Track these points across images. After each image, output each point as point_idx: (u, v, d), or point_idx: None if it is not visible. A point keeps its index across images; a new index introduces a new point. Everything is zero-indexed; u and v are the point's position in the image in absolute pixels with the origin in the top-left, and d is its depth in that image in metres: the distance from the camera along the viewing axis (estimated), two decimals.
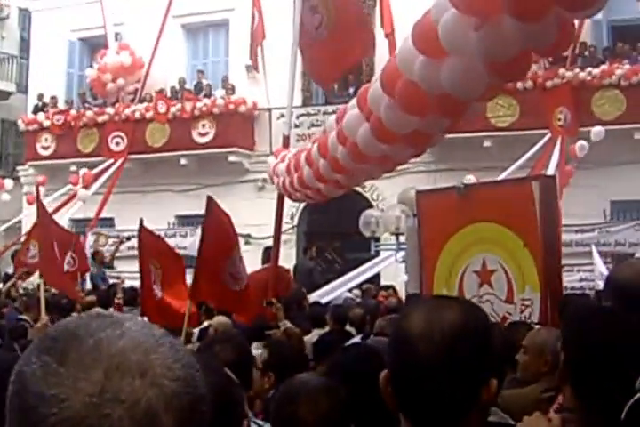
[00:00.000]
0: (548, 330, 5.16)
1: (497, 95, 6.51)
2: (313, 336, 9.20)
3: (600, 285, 15.41)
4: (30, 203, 20.82)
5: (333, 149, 8.65)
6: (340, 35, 13.38)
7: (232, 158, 23.24)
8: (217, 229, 8.72)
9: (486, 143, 20.29)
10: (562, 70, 19.59)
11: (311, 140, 10.87)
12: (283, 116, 19.12)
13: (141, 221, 9.24)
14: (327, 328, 9.88)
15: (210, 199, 8.81)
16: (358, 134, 7.64)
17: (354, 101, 8.17)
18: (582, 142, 17.00)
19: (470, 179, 16.11)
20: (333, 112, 21.55)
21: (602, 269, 16.43)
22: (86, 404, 1.08)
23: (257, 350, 7.30)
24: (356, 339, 8.69)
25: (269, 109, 22.53)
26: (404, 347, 1.99)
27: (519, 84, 19.72)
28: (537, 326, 6.93)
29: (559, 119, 18.36)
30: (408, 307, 2.20)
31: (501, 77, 5.54)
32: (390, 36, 19.81)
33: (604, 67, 19.78)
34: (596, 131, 17.13)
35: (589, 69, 19.73)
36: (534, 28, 4.70)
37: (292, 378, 3.54)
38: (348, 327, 10.06)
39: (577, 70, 19.76)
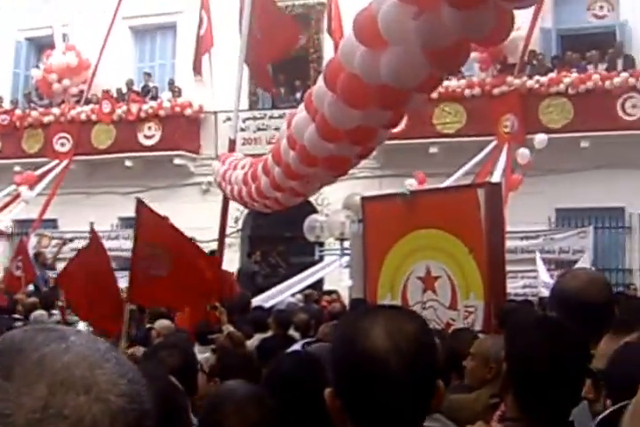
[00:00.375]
0: (494, 338, 5.13)
1: (437, 87, 6.46)
2: (255, 341, 9.16)
3: (543, 292, 15.53)
4: None
5: (285, 154, 8.62)
6: (265, 36, 13.51)
7: (177, 161, 23.13)
8: (150, 230, 8.65)
9: (432, 149, 20.33)
10: (510, 78, 19.69)
11: (269, 151, 10.85)
12: (229, 119, 19.05)
13: (91, 224, 9.23)
14: (270, 333, 9.84)
15: (139, 202, 8.74)
16: (305, 136, 7.60)
17: (302, 105, 8.12)
18: (524, 150, 17.05)
19: (412, 183, 16.10)
20: (280, 116, 21.81)
21: (545, 276, 16.52)
22: (29, 420, 1.05)
23: (201, 354, 7.22)
24: (298, 345, 8.63)
25: (215, 113, 22.45)
26: (371, 363, 1.95)
27: (467, 91, 19.84)
28: (482, 334, 6.90)
29: (506, 126, 18.45)
30: (358, 321, 2.04)
31: (440, 66, 5.56)
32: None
33: (552, 75, 19.93)
34: (540, 139, 17.20)
35: (537, 77, 19.85)
36: (472, 16, 4.70)
37: (220, 386, 3.47)
38: (291, 332, 10.04)
39: (525, 78, 19.86)
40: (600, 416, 2.71)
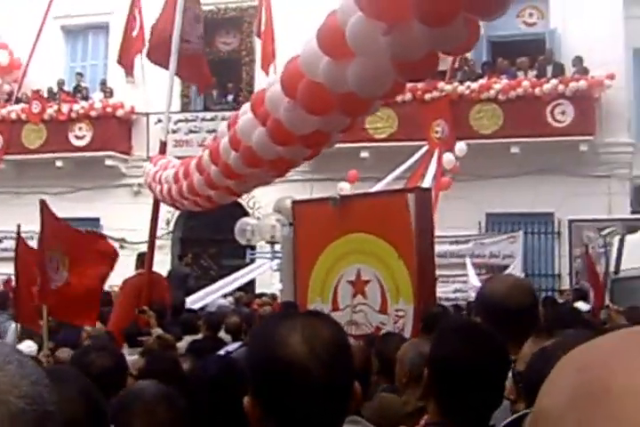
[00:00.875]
0: (413, 342, 5.17)
1: (401, 93, 6.53)
2: (185, 343, 9.11)
3: (473, 296, 15.64)
4: None
5: (225, 154, 8.59)
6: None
7: (108, 162, 22.95)
8: (53, 232, 8.61)
9: (363, 154, 20.44)
10: (441, 84, 19.84)
11: (203, 149, 10.77)
12: (160, 121, 18.94)
13: (18, 226, 9.14)
14: (200, 335, 9.86)
15: (42, 202, 8.67)
16: (253, 138, 7.59)
17: (246, 107, 8.12)
18: (449, 155, 17.15)
19: (343, 187, 16.15)
20: (212, 119, 21.80)
21: (475, 281, 16.67)
22: None
23: (129, 356, 7.17)
24: (230, 347, 8.64)
25: (147, 114, 22.30)
26: (290, 370, 1.96)
27: (398, 97, 19.93)
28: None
29: (437, 132, 18.56)
30: (275, 328, 2.05)
31: (408, 77, 5.62)
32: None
33: (482, 81, 20.16)
34: (460, 147, 17.28)
35: (468, 83, 20.07)
36: (443, 32, 4.75)
37: (130, 386, 3.44)
38: (222, 335, 10.05)
39: (456, 84, 20.06)
40: (503, 424, 2.76)
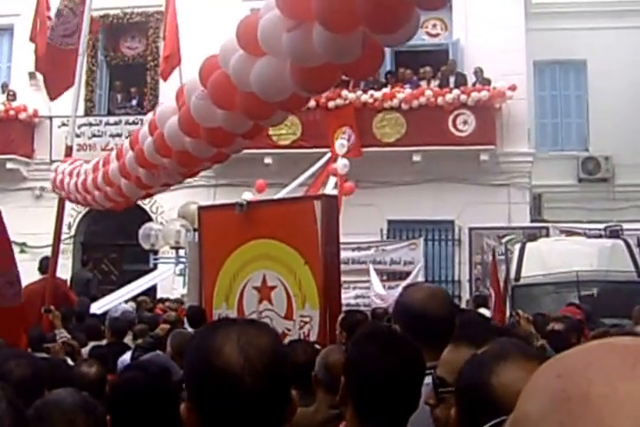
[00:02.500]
0: (327, 348, 5.19)
1: (301, 107, 6.50)
2: (90, 349, 9.05)
3: (376, 302, 15.83)
4: None
5: (143, 138, 8.51)
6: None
7: (10, 165, 22.55)
8: None
9: (267, 160, 20.49)
10: (345, 92, 19.97)
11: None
12: (64, 124, 18.75)
13: None
14: (105, 341, 9.77)
15: None
16: (166, 125, 7.56)
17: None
18: (343, 160, 17.16)
19: (248, 196, 16.17)
20: (115, 123, 21.68)
21: (378, 288, 16.83)
22: None
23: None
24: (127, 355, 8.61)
25: (51, 118, 22.01)
26: (225, 379, 1.98)
27: None
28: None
29: (342, 139, 18.67)
30: (211, 337, 2.05)
31: (304, 86, 5.56)
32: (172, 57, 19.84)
33: (385, 90, 20.33)
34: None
35: (372, 92, 20.21)
36: (338, 40, 4.77)
37: (48, 394, 3.41)
38: (127, 340, 10.01)
39: (359, 92, 20.20)
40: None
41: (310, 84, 5.58)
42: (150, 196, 11.24)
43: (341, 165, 16.83)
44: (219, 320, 4.53)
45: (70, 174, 11.97)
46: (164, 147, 7.76)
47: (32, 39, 17.28)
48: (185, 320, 11.53)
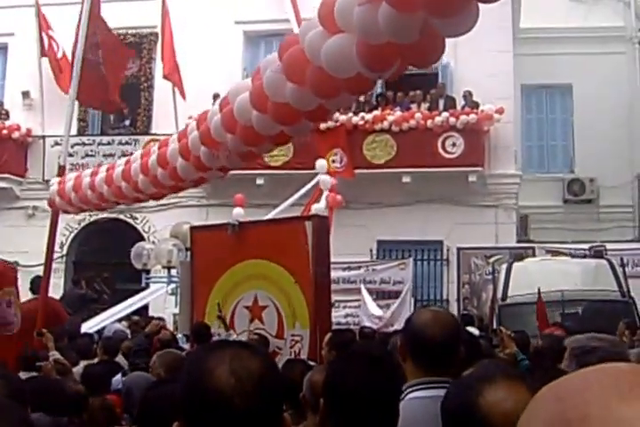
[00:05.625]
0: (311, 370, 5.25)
1: (365, 92, 6.48)
2: (81, 368, 9.14)
3: (365, 321, 16.03)
4: None
5: (211, 117, 8.11)
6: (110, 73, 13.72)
7: (2, 184, 22.64)
8: None
9: (259, 181, 20.65)
10: (336, 114, 20.12)
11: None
12: (57, 144, 18.93)
13: None
14: (96, 360, 9.84)
15: None
16: (238, 99, 7.50)
17: (216, 107, 8.20)
18: (325, 177, 17.17)
19: (240, 213, 16.26)
20: (108, 143, 21.85)
21: (374, 309, 17.03)
22: None
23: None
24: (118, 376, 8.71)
25: (44, 137, 22.17)
26: (216, 402, 2.01)
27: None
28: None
29: (333, 161, 18.87)
30: (204, 359, 2.10)
31: (367, 62, 5.66)
32: (171, 75, 20.14)
33: (376, 112, 20.58)
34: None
35: (363, 114, 20.44)
36: (400, 18, 4.96)
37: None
38: (119, 359, 10.03)
39: (351, 114, 20.42)
40: None
41: (371, 62, 5.69)
42: (202, 183, 11.04)
43: (324, 181, 16.88)
44: (213, 342, 4.58)
45: (94, 173, 11.76)
46: (230, 121, 7.76)
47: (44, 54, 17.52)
48: (179, 339, 11.69)
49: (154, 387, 4.29)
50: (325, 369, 3.60)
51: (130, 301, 17.31)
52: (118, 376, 8.58)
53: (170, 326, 14.93)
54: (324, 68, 5.94)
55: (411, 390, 3.35)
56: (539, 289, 11.80)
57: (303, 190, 17.50)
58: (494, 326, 12.71)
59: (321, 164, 17.50)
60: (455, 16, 4.96)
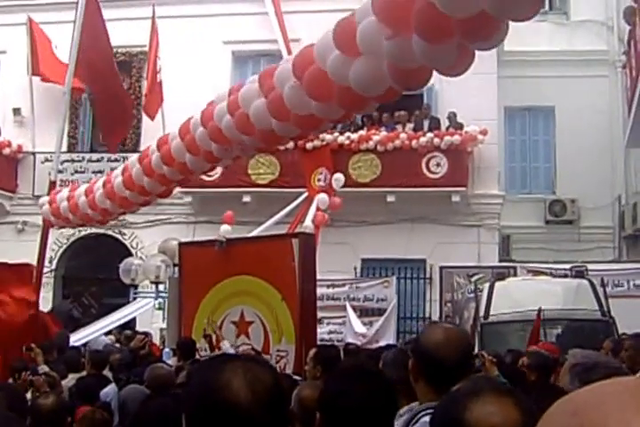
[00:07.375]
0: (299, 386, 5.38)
1: (395, 98, 6.69)
2: (70, 381, 9.22)
3: (348, 337, 16.24)
4: None
5: (219, 117, 8.48)
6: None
7: None
8: None
9: (246, 198, 20.80)
10: (322, 133, 20.34)
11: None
12: (47, 160, 19.10)
13: None
14: (84, 373, 9.83)
15: None
16: (252, 106, 7.75)
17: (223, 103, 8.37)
18: (323, 195, 17.35)
19: (227, 230, 16.41)
20: (98, 160, 21.99)
21: (358, 327, 17.25)
22: None
23: None
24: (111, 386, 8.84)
25: (34, 153, 22.30)
26: (235, 414, 2.02)
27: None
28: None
29: (319, 180, 19.06)
30: (217, 372, 2.10)
31: (403, 82, 5.99)
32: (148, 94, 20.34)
33: (362, 132, 20.80)
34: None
35: (348, 134, 20.65)
36: (436, 50, 5.25)
37: None
38: (106, 372, 10.04)
39: (337, 134, 20.62)
40: None
41: (408, 82, 6.01)
42: (213, 169, 11.10)
43: (321, 200, 17.07)
44: (221, 355, 4.68)
45: (70, 193, 11.91)
46: (247, 125, 7.89)
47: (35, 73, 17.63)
48: (166, 353, 11.82)
49: (148, 400, 4.45)
50: (321, 385, 3.62)
51: (116, 314, 17.45)
52: (106, 389, 8.65)
53: (156, 341, 15.09)
54: (352, 88, 6.20)
55: (424, 413, 3.22)
56: (540, 308, 11.92)
57: (289, 208, 17.68)
58: (476, 345, 12.83)
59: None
60: (490, 38, 5.22)
